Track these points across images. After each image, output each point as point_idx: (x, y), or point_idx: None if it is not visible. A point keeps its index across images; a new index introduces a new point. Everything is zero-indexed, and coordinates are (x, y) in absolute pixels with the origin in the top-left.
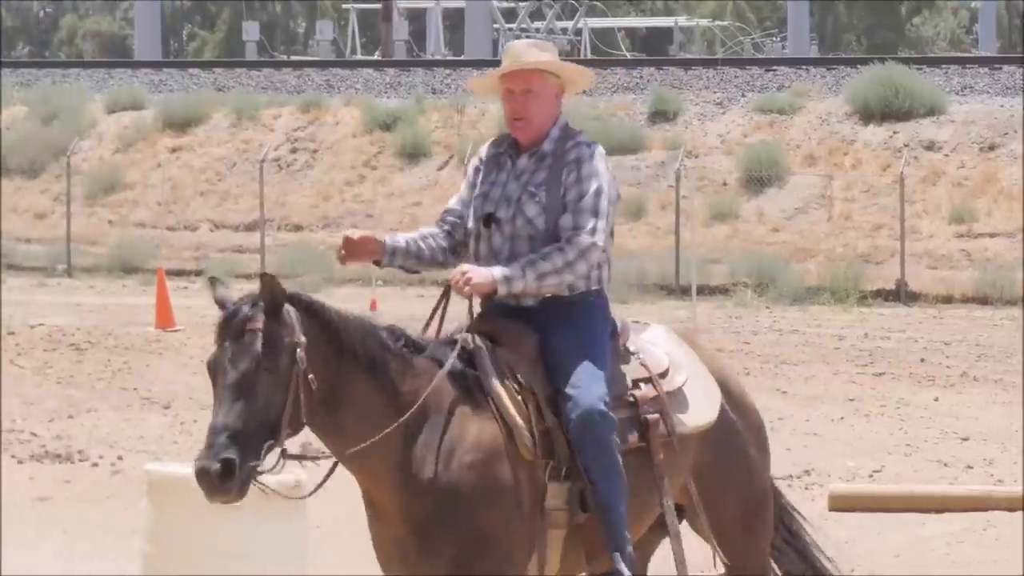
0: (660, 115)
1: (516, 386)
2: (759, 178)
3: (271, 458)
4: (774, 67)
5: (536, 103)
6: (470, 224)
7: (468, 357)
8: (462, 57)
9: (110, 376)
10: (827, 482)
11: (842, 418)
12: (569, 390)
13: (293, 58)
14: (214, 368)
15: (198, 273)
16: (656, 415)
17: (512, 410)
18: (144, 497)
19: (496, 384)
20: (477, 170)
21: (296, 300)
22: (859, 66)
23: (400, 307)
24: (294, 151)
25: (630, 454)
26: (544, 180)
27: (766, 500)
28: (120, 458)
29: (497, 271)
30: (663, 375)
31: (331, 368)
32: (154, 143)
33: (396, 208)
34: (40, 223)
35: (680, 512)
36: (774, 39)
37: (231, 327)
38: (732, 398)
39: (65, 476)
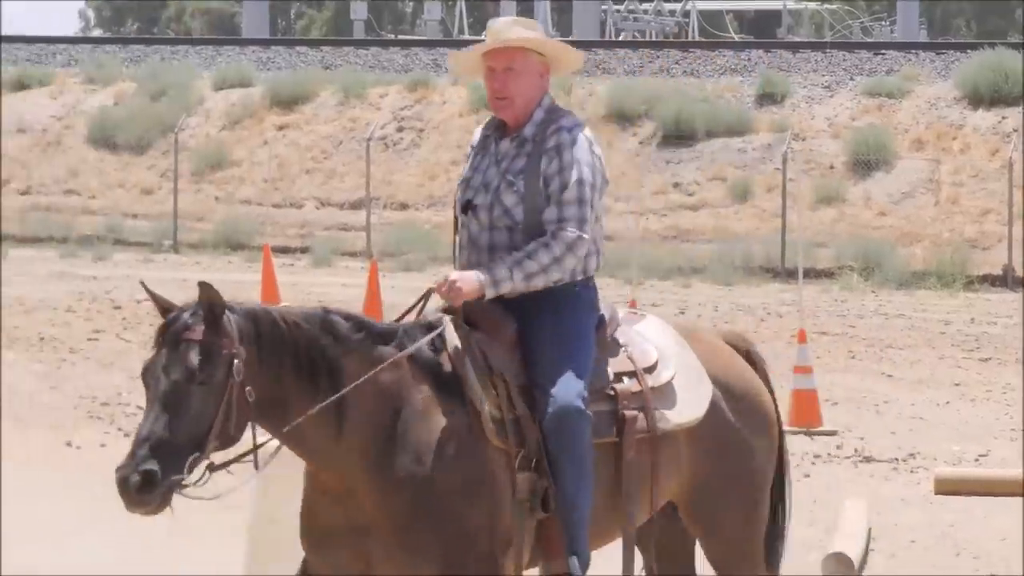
0: (767, 97)
1: (487, 372)
2: (866, 162)
3: (197, 471)
4: (883, 51)
5: (518, 82)
6: (458, 210)
7: (442, 341)
8: (570, 38)
9: None
10: (933, 466)
11: (948, 402)
12: (547, 384)
13: (400, 37)
14: (146, 375)
15: (304, 250)
16: (636, 411)
17: (482, 396)
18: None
19: (468, 369)
20: (467, 156)
21: (238, 309)
22: (969, 51)
23: None
24: (400, 130)
25: (605, 449)
26: (523, 168)
27: (764, 498)
28: None
29: (484, 275)
30: (650, 369)
31: (280, 377)
32: (261, 120)
33: None
34: (147, 199)
35: (676, 510)
36: (883, 23)
37: (168, 335)
38: (735, 395)
39: None
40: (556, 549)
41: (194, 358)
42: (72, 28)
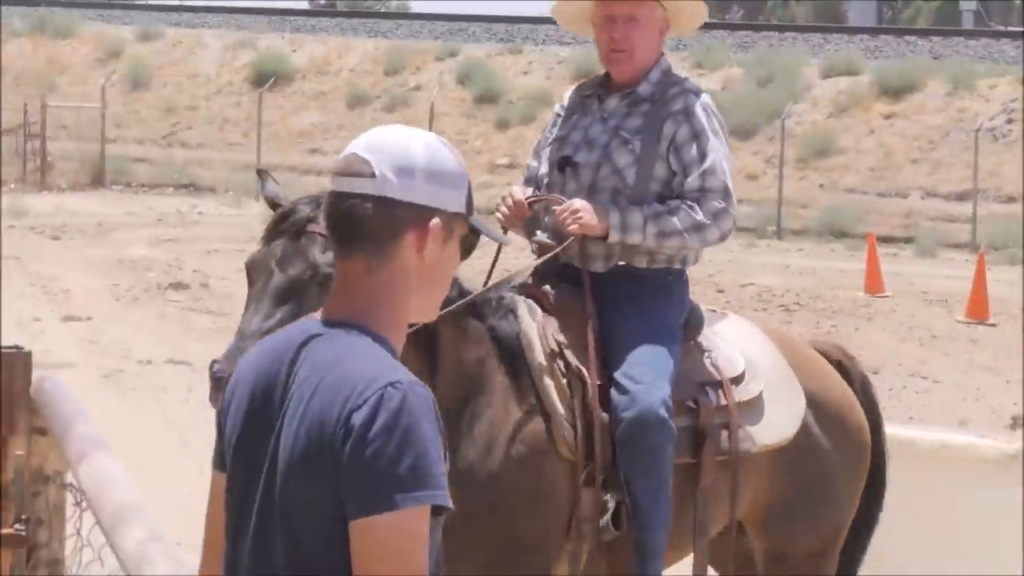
0: None
1: (563, 368)
2: None
3: None
4: None
5: (641, 34)
6: (542, 170)
7: (517, 325)
8: None
9: (822, 338)
10: None
11: None
12: (627, 383)
13: (1011, 29)
14: (256, 267)
15: (907, 240)
16: (720, 429)
17: (555, 396)
18: None
19: (541, 363)
20: (557, 117)
21: None
22: None
23: None
24: (1010, 122)
25: (680, 471)
26: (640, 127)
27: (841, 537)
28: None
29: (614, 215)
30: (736, 380)
31: None
32: (868, 109)
33: None
34: (752, 184)
35: (744, 532)
36: None
37: (287, 225)
38: (827, 412)
39: None
40: (620, 573)
41: (318, 252)
42: None
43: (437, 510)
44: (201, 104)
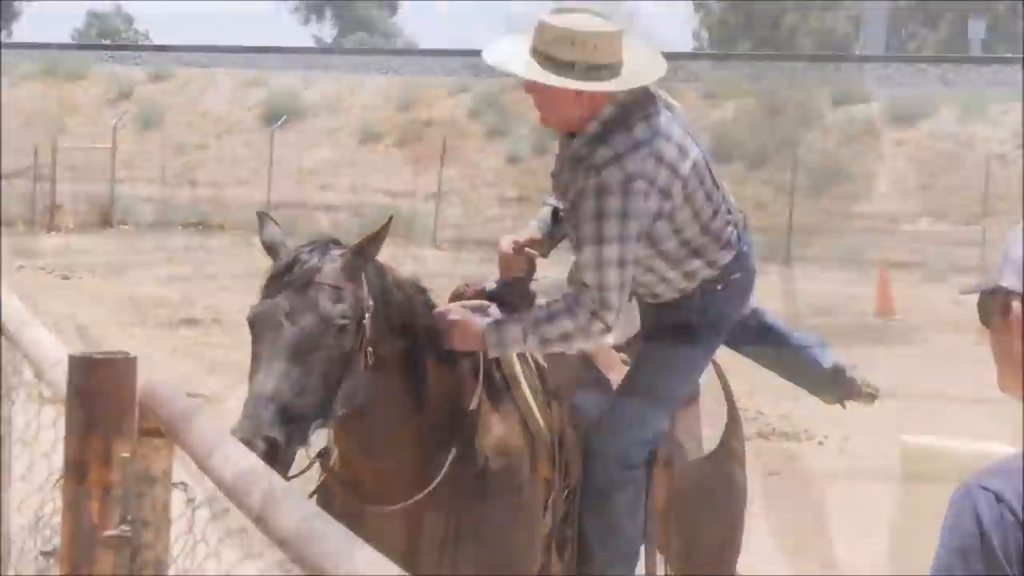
0: None
1: (540, 386)
2: None
3: (317, 438)
4: None
5: (546, 100)
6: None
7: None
8: None
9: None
10: None
11: None
12: (604, 424)
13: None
14: (261, 321)
15: (916, 265)
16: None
17: (537, 413)
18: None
19: (521, 380)
20: None
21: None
22: None
23: None
24: (1020, 147)
25: None
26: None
27: (741, 528)
28: None
29: (490, 329)
30: None
31: (378, 343)
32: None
33: None
34: (761, 212)
35: None
36: None
37: (292, 276)
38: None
39: None
40: None
41: (330, 304)
42: None
43: None
44: (212, 143)
